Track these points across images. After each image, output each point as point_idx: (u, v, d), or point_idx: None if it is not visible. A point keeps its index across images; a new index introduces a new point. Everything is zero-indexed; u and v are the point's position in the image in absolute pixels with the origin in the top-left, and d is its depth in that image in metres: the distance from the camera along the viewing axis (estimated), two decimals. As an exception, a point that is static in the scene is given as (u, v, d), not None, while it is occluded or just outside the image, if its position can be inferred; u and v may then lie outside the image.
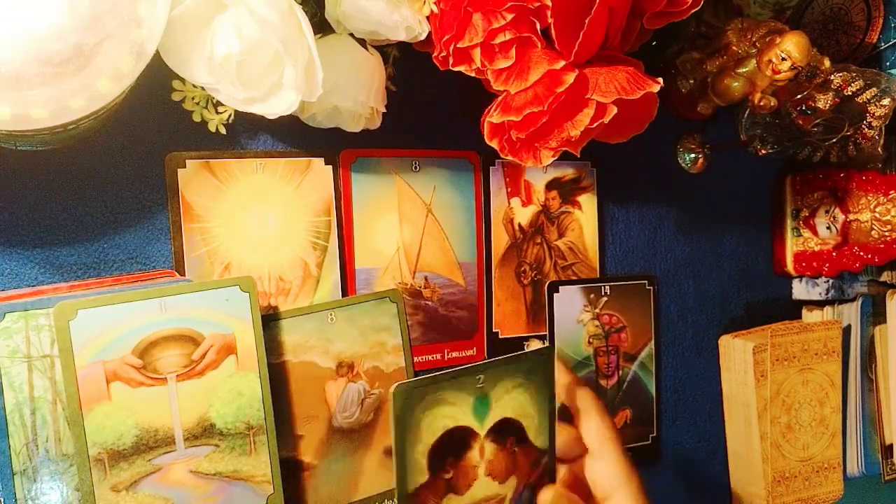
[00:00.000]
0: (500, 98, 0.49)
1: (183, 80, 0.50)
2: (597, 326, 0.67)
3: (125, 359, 0.46)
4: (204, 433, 0.48)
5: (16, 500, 0.46)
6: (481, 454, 0.48)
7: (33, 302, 0.46)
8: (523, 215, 0.65)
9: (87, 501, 0.46)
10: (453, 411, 0.47)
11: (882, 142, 0.69)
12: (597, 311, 0.67)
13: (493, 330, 0.64)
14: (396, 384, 0.44)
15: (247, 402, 0.49)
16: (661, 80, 0.48)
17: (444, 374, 0.46)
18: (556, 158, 0.51)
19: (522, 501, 0.50)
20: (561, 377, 0.51)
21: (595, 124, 0.47)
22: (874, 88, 0.66)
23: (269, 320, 0.54)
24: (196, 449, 0.48)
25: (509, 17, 0.46)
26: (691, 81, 0.65)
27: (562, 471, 0.50)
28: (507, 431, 0.49)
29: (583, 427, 0.50)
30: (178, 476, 0.48)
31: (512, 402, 0.49)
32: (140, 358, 0.46)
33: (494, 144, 0.51)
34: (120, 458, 0.46)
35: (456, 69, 0.50)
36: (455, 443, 0.47)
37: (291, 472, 0.54)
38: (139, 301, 0.46)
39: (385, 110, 0.53)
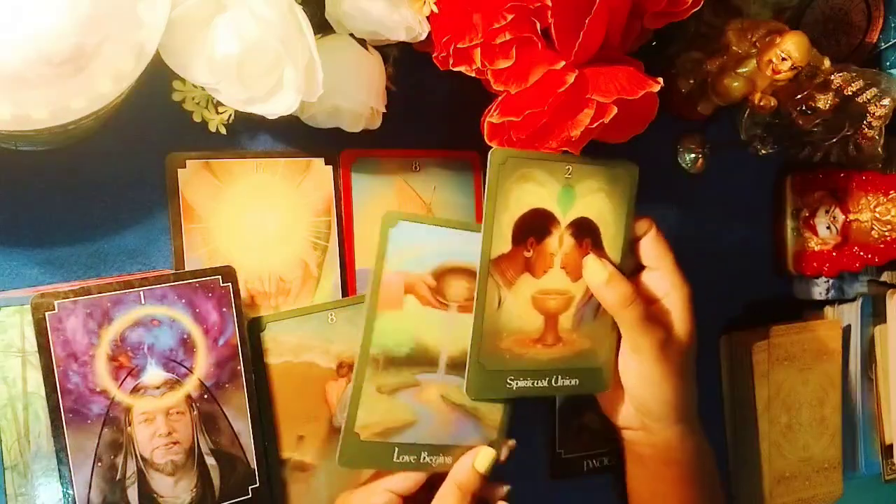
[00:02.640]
0: (500, 98, 0.49)
1: (183, 81, 0.50)
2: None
3: (424, 277, 0.49)
4: (462, 365, 0.51)
5: (6, 496, 0.46)
6: (560, 243, 0.52)
7: (28, 297, 0.46)
8: (523, 215, 0.64)
9: (355, 393, 0.50)
10: (541, 192, 0.51)
11: (882, 142, 0.69)
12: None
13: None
14: (494, 148, 0.49)
15: None
16: (661, 79, 0.48)
17: (536, 153, 0.51)
18: (556, 158, 0.51)
19: (589, 308, 0.54)
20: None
21: (595, 124, 0.47)
22: (874, 88, 0.66)
23: (270, 320, 0.54)
24: (452, 377, 0.52)
25: (509, 17, 0.46)
26: (691, 81, 0.65)
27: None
28: (585, 231, 0.53)
29: (640, 245, 0.56)
30: (430, 397, 0.51)
31: (594, 203, 0.53)
32: (435, 280, 0.49)
33: (494, 144, 0.51)
34: (392, 364, 0.50)
35: (456, 69, 0.50)
36: (538, 224, 0.52)
37: (292, 473, 0.55)
38: (452, 228, 0.51)
39: (385, 110, 0.53)
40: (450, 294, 0.50)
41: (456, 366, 0.51)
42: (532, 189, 0.51)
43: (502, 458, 0.53)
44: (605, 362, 0.55)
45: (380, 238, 0.48)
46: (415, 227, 0.49)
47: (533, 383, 0.53)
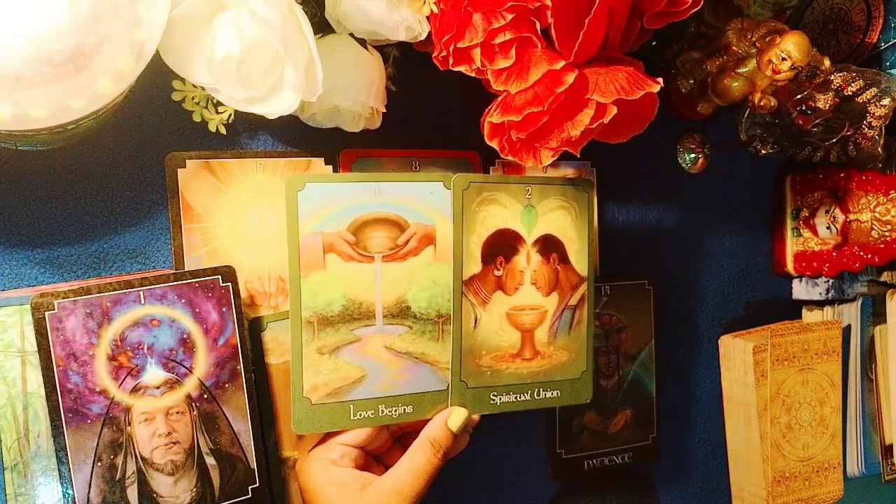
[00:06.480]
0: (500, 98, 0.49)
1: (183, 80, 0.50)
2: (597, 326, 0.67)
3: (341, 233, 0.49)
4: (400, 314, 0.52)
5: (6, 496, 0.46)
6: (528, 261, 0.54)
7: (28, 297, 0.46)
8: (523, 215, 0.65)
9: (295, 358, 0.49)
10: (504, 213, 0.54)
11: (882, 142, 0.69)
12: (597, 311, 0.67)
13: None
14: (456, 175, 0.52)
15: (440, 291, 0.52)
16: (660, 80, 0.48)
17: (496, 176, 0.55)
18: (556, 158, 0.51)
19: (563, 321, 0.56)
20: None
21: (595, 124, 0.47)
22: (874, 88, 0.66)
23: (270, 320, 0.54)
24: (392, 327, 0.52)
25: (509, 17, 0.46)
26: (691, 81, 0.65)
27: None
28: (550, 247, 0.55)
29: None
30: (374, 349, 0.51)
31: (555, 220, 0.55)
32: (353, 235, 0.49)
33: (494, 144, 0.51)
34: (327, 323, 0.50)
35: (456, 69, 0.50)
36: (505, 243, 0.54)
37: (292, 473, 0.54)
38: (359, 182, 0.50)
39: (385, 110, 0.53)
40: (371, 246, 0.50)
41: (394, 315, 0.51)
42: (496, 211, 0.53)
43: (475, 419, 0.54)
44: (584, 373, 0.57)
45: (287, 203, 0.48)
46: (323, 188, 0.49)
47: (516, 397, 0.55)
